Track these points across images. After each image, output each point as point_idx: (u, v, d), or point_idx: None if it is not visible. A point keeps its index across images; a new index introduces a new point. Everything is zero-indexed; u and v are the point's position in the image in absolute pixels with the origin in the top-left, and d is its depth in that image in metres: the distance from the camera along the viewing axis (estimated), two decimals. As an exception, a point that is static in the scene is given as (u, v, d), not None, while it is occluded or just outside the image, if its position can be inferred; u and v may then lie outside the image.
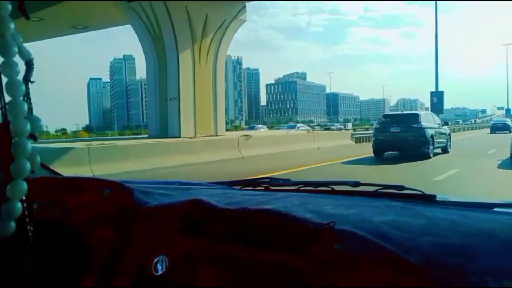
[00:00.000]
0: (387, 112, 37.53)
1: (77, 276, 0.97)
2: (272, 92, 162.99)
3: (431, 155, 11.25)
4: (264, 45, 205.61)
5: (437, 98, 34.72)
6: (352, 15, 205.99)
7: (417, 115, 11.92)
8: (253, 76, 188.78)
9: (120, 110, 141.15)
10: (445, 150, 12.77)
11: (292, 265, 0.69)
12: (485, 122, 66.90)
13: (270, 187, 1.24)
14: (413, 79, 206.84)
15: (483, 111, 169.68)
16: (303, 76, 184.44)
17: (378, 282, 0.61)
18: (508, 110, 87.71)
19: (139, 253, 0.90)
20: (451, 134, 14.66)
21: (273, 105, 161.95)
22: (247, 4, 16.65)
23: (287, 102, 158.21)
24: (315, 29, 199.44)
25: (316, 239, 0.69)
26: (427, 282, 0.58)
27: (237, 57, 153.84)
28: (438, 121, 12.92)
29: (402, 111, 17.69)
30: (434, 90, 36.13)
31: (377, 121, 14.01)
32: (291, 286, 0.69)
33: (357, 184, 1.10)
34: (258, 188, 1.25)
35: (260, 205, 0.84)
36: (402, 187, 1.03)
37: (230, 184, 1.33)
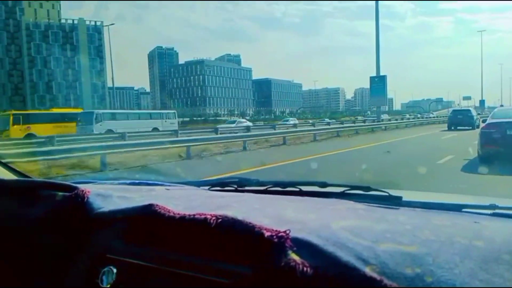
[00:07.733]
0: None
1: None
2: (179, 76, 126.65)
3: (475, 128, 22.02)
4: (241, 35, 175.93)
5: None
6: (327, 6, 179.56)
7: (470, 110, 28.42)
8: (167, 57, 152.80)
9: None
10: (478, 126, 23.01)
11: (240, 274, 0.70)
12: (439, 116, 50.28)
13: (239, 187, 1.22)
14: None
15: (439, 100, 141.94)
16: (236, 59, 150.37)
17: None
18: (482, 102, 74.97)
19: (87, 264, 0.91)
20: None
21: (180, 92, 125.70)
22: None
23: (192, 88, 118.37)
24: (291, 19, 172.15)
25: (268, 248, 0.67)
26: None
27: (95, 22, 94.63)
28: (476, 112, 29.61)
29: (461, 107, 37.26)
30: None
31: (449, 112, 34.14)
32: None
33: (324, 184, 1.10)
34: (226, 188, 1.24)
35: (220, 209, 0.81)
36: (369, 188, 1.01)
37: (199, 184, 1.33)
